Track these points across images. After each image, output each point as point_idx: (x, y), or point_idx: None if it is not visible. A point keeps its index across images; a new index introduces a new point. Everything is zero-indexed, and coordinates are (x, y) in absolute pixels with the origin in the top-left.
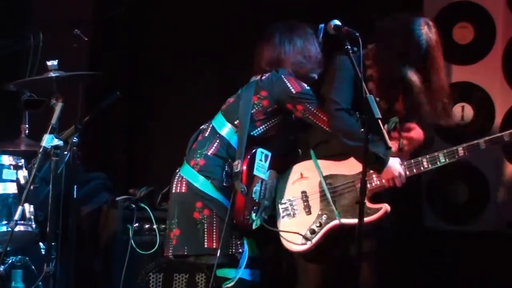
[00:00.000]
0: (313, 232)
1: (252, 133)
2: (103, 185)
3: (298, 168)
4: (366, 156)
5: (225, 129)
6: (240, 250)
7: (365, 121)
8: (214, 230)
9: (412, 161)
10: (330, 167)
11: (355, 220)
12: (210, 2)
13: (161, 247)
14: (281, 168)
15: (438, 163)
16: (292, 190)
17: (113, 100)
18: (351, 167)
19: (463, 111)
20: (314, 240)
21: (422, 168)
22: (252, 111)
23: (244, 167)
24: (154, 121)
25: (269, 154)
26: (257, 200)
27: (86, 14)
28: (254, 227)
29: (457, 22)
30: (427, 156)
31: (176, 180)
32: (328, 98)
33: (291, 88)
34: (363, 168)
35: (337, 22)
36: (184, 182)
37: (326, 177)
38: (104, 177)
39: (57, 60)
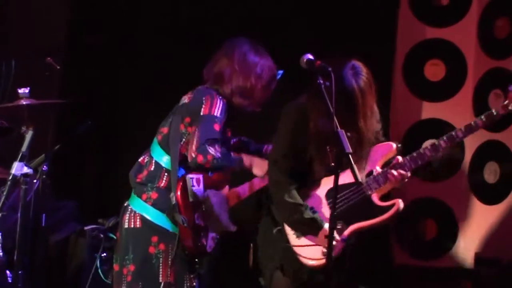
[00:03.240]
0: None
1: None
2: (72, 214)
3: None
4: (336, 187)
5: (166, 160)
6: (194, 284)
7: (335, 155)
8: (170, 264)
9: (414, 153)
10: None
11: (371, 221)
12: (182, 32)
13: None
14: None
15: (440, 149)
16: None
17: (84, 129)
18: (350, 175)
19: None
20: (335, 252)
21: (426, 158)
22: (182, 141)
23: (179, 198)
24: (125, 151)
25: (200, 176)
26: (202, 225)
27: (58, 42)
28: (209, 250)
29: (428, 59)
30: (428, 146)
31: (128, 215)
32: (272, 150)
33: (202, 108)
34: (333, 204)
35: (310, 56)
36: (137, 217)
37: (330, 189)
38: (73, 206)
39: (28, 88)
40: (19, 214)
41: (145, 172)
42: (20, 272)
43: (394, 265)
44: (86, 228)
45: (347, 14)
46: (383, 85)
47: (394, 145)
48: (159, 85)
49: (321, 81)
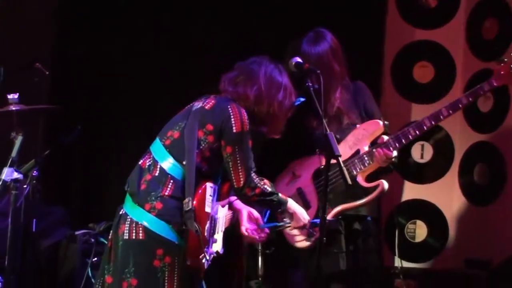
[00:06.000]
0: (316, 225)
1: (201, 170)
2: (62, 219)
3: (288, 170)
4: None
5: (171, 166)
6: None
7: (325, 158)
8: (175, 278)
9: (399, 132)
10: (317, 160)
11: (355, 203)
12: (170, 37)
13: None
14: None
15: (424, 127)
16: (288, 189)
17: (74, 135)
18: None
19: (422, 150)
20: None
21: (410, 137)
22: (199, 148)
23: (197, 205)
24: (114, 155)
25: (216, 186)
26: (207, 239)
27: (47, 48)
28: (206, 266)
29: (417, 61)
30: (412, 124)
31: (128, 225)
32: None
33: (233, 123)
34: (323, 205)
35: (298, 59)
36: (140, 228)
37: (316, 171)
38: (64, 211)
39: (18, 94)
40: (9, 220)
41: (148, 177)
42: (11, 277)
43: (383, 267)
44: (77, 233)
45: (335, 17)
46: (372, 88)
47: (381, 123)
48: (149, 91)
49: (310, 84)
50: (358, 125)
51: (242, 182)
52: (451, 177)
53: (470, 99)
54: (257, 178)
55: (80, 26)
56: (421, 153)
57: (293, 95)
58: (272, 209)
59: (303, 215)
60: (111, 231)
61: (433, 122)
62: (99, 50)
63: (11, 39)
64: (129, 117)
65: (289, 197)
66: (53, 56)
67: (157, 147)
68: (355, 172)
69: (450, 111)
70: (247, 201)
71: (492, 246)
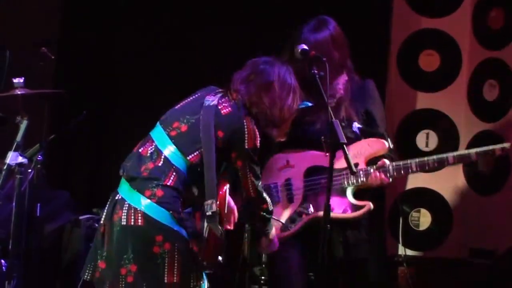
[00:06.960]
0: (293, 221)
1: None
2: (66, 204)
3: (284, 156)
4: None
5: (173, 155)
6: (201, 282)
7: (329, 146)
8: (176, 264)
9: (401, 163)
10: (313, 157)
11: (339, 215)
12: (177, 26)
13: None
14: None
15: (427, 167)
16: (278, 176)
17: (80, 120)
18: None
19: (427, 138)
20: (292, 229)
21: (410, 171)
22: None
23: (222, 207)
24: (118, 141)
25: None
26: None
27: (53, 32)
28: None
29: (423, 50)
30: (417, 160)
31: (125, 211)
32: None
33: (246, 140)
34: (327, 195)
35: (304, 46)
36: (139, 214)
37: (310, 169)
38: (68, 196)
39: (23, 78)
40: (14, 204)
41: (150, 165)
42: (15, 261)
43: (387, 255)
44: (81, 217)
45: (341, 4)
46: (378, 76)
47: (387, 144)
48: (153, 76)
49: (316, 71)
50: (363, 140)
51: (252, 193)
52: (456, 166)
53: (480, 155)
54: (265, 193)
55: (88, 8)
56: (426, 141)
57: (300, 98)
58: (261, 227)
59: (273, 247)
60: (103, 217)
61: (436, 165)
62: (109, 33)
63: (17, 23)
64: (134, 103)
65: (276, 184)
66: (59, 41)
67: (160, 136)
68: (346, 185)
69: (455, 161)
70: (253, 212)
71: (496, 235)
